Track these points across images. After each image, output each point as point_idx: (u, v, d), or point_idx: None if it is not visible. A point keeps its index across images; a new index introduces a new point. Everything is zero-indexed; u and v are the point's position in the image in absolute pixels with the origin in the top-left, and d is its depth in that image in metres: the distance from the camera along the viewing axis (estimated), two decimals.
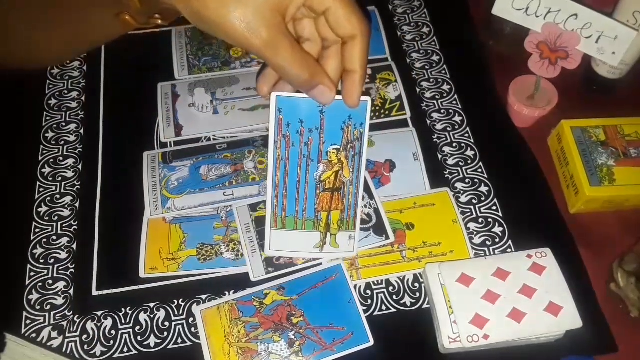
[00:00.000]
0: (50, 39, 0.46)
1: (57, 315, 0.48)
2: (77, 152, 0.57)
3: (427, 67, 0.64)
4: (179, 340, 0.47)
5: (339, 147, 0.47)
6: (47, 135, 0.58)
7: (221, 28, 0.36)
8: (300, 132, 0.46)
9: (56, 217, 0.53)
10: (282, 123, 0.45)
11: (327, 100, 0.42)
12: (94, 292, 0.49)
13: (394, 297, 0.50)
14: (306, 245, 0.50)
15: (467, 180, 0.56)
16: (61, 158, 0.56)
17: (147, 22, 0.42)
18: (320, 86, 0.41)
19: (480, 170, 0.57)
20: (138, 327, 0.48)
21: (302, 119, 0.45)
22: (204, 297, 0.49)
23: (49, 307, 0.48)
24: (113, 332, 0.47)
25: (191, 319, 0.48)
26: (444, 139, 0.59)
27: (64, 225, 0.52)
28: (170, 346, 0.47)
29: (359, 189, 0.49)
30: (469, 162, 0.57)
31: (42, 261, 0.50)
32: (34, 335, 0.47)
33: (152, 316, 0.48)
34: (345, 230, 0.50)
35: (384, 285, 0.50)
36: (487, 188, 0.55)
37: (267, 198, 0.48)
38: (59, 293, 0.49)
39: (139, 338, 0.47)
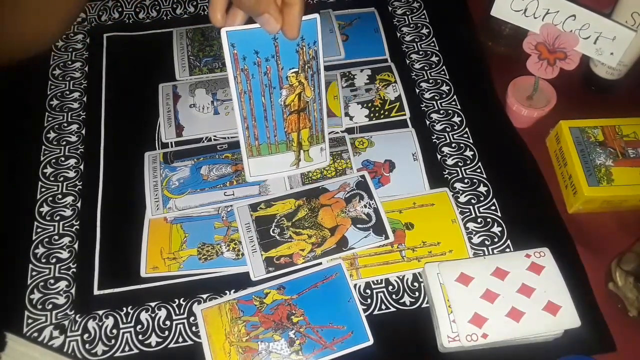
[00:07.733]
0: (23, 19, 0.46)
1: (59, 315, 0.48)
2: (78, 152, 0.57)
3: (426, 68, 0.64)
4: (180, 340, 0.48)
5: (297, 69, 0.48)
6: (49, 135, 0.58)
7: None
8: (258, 63, 0.46)
9: (58, 217, 0.53)
10: (237, 57, 0.46)
11: (273, 29, 0.43)
12: (96, 292, 0.49)
13: (394, 296, 0.50)
14: (283, 165, 0.53)
15: (466, 180, 0.56)
16: (63, 158, 0.57)
17: None
18: (266, 14, 0.41)
19: (479, 170, 0.57)
20: (139, 326, 0.48)
21: (257, 49, 0.46)
22: (204, 296, 0.50)
23: (50, 306, 0.49)
24: (114, 331, 0.48)
25: (192, 318, 0.48)
26: (443, 139, 0.59)
27: (65, 225, 0.53)
28: (171, 345, 0.47)
29: (322, 104, 0.51)
30: (468, 162, 0.57)
31: (43, 261, 0.51)
32: (35, 334, 0.47)
33: (153, 315, 0.49)
34: (316, 144, 0.53)
35: (383, 285, 0.50)
36: (486, 188, 0.56)
37: (239, 131, 0.50)
38: (61, 292, 0.49)
39: (140, 337, 0.48)
